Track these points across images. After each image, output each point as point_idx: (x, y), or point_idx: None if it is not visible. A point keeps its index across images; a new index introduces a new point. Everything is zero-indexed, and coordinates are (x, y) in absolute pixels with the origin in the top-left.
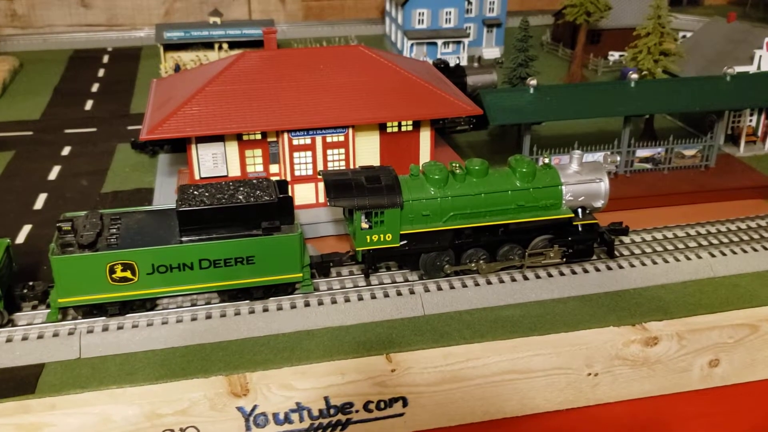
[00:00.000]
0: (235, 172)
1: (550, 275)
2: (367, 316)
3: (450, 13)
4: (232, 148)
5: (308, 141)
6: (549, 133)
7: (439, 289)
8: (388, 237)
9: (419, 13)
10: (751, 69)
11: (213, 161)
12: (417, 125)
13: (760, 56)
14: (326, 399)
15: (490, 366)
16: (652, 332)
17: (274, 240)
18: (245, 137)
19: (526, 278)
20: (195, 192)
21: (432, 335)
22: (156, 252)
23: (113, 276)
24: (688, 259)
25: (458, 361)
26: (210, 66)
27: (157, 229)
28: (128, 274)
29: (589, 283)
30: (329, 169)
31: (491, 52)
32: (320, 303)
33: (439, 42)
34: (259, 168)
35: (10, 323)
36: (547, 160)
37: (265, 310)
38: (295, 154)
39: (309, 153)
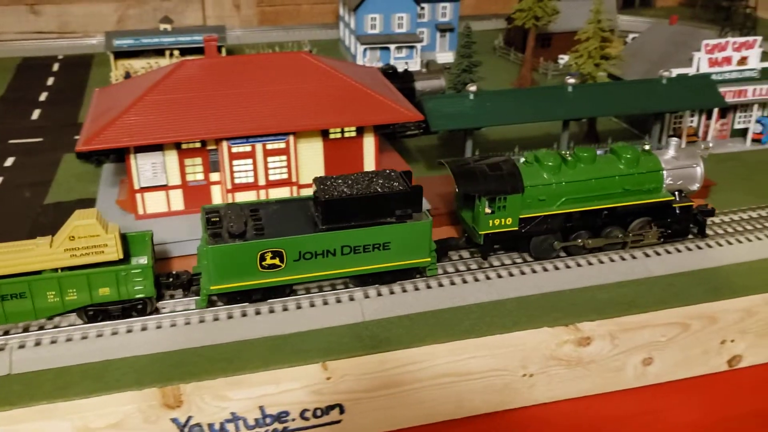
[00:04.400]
0: (175, 181)
1: (488, 278)
2: (306, 325)
3: (402, 18)
4: (172, 157)
5: (248, 148)
6: (496, 136)
7: (379, 294)
8: (509, 221)
9: (371, 18)
10: (691, 71)
11: (152, 171)
12: (361, 131)
13: (699, 58)
14: (261, 408)
15: (427, 370)
16: (584, 332)
17: (410, 227)
18: (184, 146)
19: (464, 281)
20: (333, 183)
21: (371, 341)
22: (304, 240)
23: (263, 263)
24: (623, 259)
25: (395, 366)
26: (150, 75)
27: (296, 219)
28: (277, 261)
29: (527, 285)
30: (450, 159)
31: (444, 56)
32: (257, 313)
33: (392, 47)
34: (200, 176)
35: (156, 311)
36: (647, 147)
37: (201, 321)
38: (235, 162)
39: (249, 160)
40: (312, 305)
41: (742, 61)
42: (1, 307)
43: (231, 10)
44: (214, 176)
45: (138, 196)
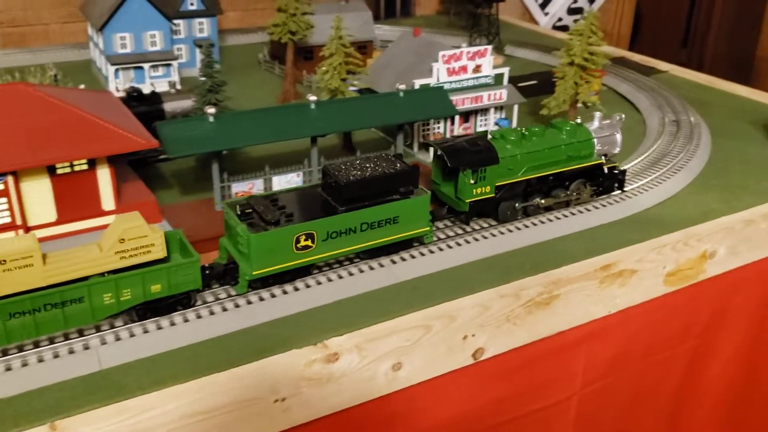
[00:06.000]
0: None
1: (237, 305)
2: (32, 383)
3: (155, 35)
4: None
5: None
6: (246, 157)
7: (118, 339)
8: (488, 189)
9: (121, 37)
10: (432, 81)
11: None
12: (93, 163)
13: (438, 69)
14: None
15: (169, 413)
16: (332, 348)
17: (413, 201)
18: None
19: (212, 313)
20: (343, 169)
21: (108, 391)
22: (331, 221)
23: (298, 245)
24: (372, 269)
25: (134, 414)
26: None
27: (312, 204)
28: (309, 242)
29: (278, 308)
30: (434, 141)
31: None
32: None
33: (146, 66)
34: None
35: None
36: (579, 120)
37: None
38: None
39: None
40: (40, 360)
41: (477, 68)
42: (62, 312)
43: None
44: None
45: None
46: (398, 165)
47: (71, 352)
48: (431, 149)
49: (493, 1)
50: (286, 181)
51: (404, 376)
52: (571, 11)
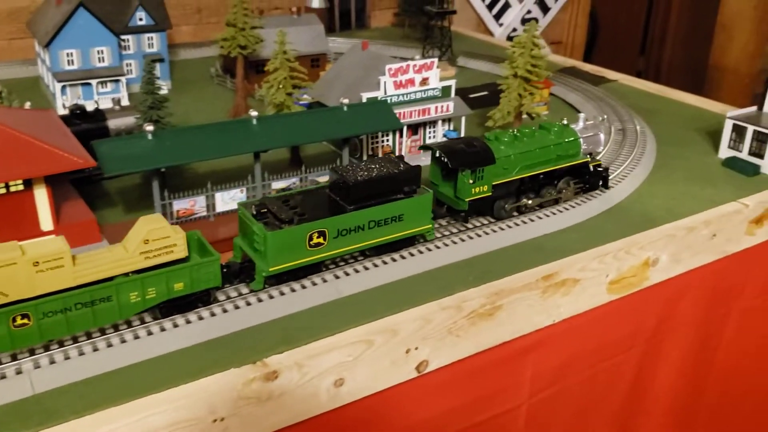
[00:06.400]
0: None
1: (175, 325)
2: None
3: (102, 51)
4: None
5: None
6: (192, 174)
7: (52, 362)
8: (485, 188)
9: (68, 54)
10: (380, 94)
11: None
12: (29, 183)
13: (385, 82)
14: None
15: None
16: (271, 366)
17: (417, 200)
18: None
19: (150, 333)
20: (351, 170)
21: (40, 417)
22: (342, 219)
23: (311, 243)
24: (314, 284)
25: None
26: None
27: (321, 203)
28: (321, 239)
29: (212, 328)
30: (433, 143)
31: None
32: None
33: (94, 82)
34: None
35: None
36: (565, 121)
37: None
38: None
39: None
40: None
41: (425, 81)
42: (91, 311)
43: None
44: None
45: None
46: (402, 165)
47: (2, 377)
48: (430, 152)
49: (445, 13)
50: (229, 197)
51: (347, 391)
52: (525, 22)
